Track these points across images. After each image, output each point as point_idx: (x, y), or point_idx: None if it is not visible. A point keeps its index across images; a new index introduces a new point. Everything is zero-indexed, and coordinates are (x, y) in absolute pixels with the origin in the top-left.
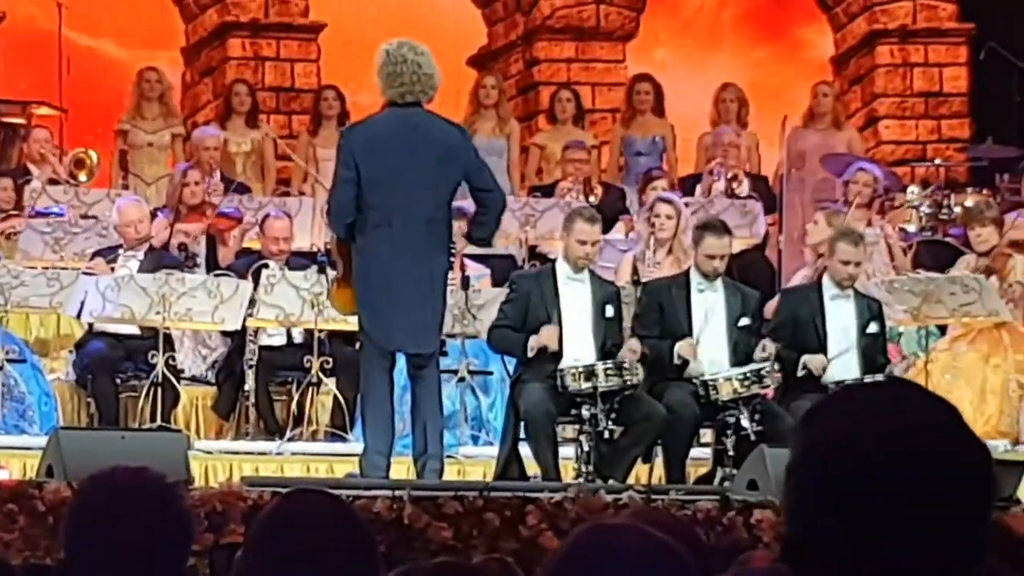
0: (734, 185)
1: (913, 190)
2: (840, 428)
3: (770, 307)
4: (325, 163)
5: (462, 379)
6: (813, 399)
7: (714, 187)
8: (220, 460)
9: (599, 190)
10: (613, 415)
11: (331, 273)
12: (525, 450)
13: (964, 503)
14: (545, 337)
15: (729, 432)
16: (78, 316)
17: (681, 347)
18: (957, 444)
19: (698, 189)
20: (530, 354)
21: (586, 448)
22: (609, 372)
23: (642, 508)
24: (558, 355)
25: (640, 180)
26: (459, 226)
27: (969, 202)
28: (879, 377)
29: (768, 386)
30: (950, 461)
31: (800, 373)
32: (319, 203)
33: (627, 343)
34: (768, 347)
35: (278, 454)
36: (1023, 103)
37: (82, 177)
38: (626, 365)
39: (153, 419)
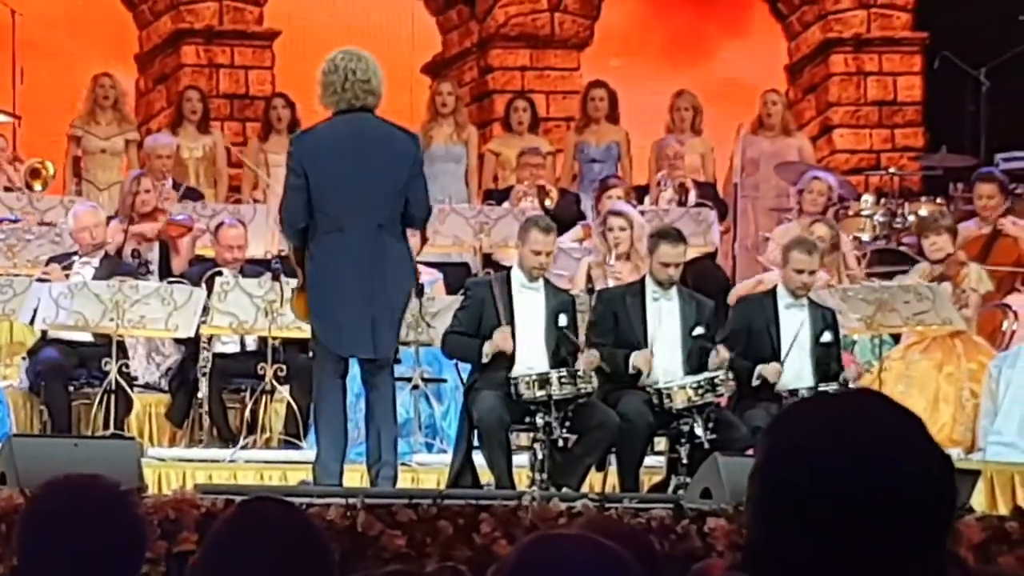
0: (681, 196)
1: (867, 199)
2: (804, 437)
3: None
4: (276, 170)
5: (416, 387)
6: (767, 407)
7: (661, 197)
8: (173, 468)
9: (554, 194)
10: (567, 423)
11: (287, 281)
12: (479, 458)
13: (926, 512)
14: (499, 340)
15: (683, 440)
16: (31, 323)
17: (636, 358)
18: (920, 453)
19: (647, 199)
20: (485, 360)
21: (540, 456)
22: (563, 380)
23: (595, 517)
24: (511, 362)
25: (596, 187)
26: (410, 232)
27: (923, 211)
28: (833, 386)
29: (722, 394)
30: (913, 470)
31: (755, 382)
32: (272, 210)
33: (584, 353)
34: (721, 352)
35: (231, 462)
36: (977, 112)
37: (37, 187)
38: (580, 373)
39: (106, 426)
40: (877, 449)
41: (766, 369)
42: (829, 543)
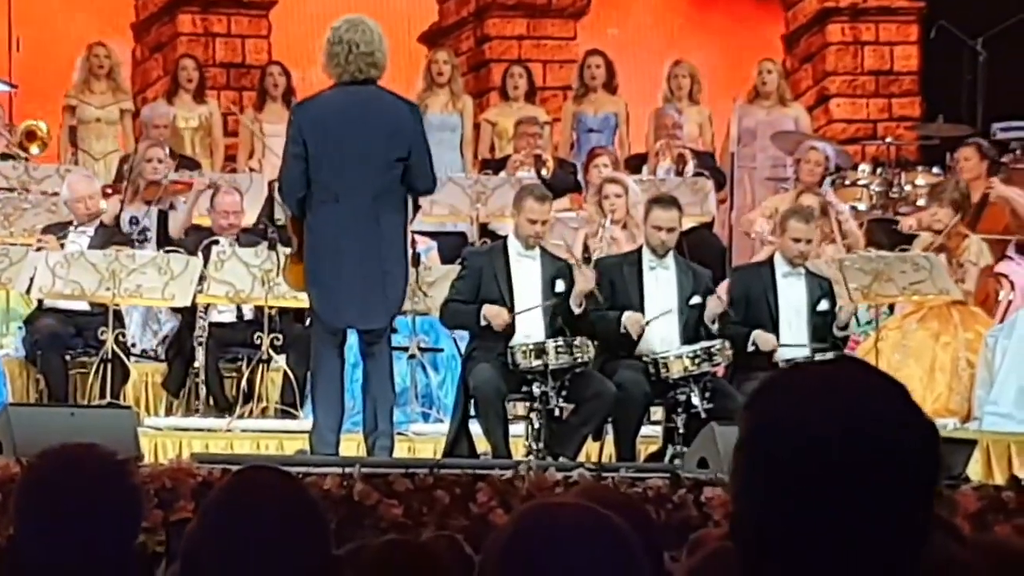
0: (680, 166)
1: (863, 168)
2: (788, 407)
3: (722, 289)
4: (271, 139)
5: (412, 356)
6: (764, 377)
7: (659, 168)
8: (170, 437)
9: (551, 164)
10: (563, 393)
11: (282, 249)
12: (475, 427)
13: (912, 481)
14: (494, 317)
15: (679, 410)
16: (27, 292)
17: (629, 319)
18: (905, 422)
19: (645, 169)
20: (483, 323)
21: (536, 425)
22: (560, 350)
23: (591, 486)
24: (509, 332)
25: (585, 158)
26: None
27: (920, 180)
28: (829, 355)
29: (719, 364)
30: (898, 439)
31: (750, 348)
32: (267, 178)
33: (581, 270)
34: (722, 297)
35: (228, 431)
36: (974, 82)
37: (34, 149)
38: (576, 343)
39: (103, 395)
40: (861, 417)
41: (761, 337)
42: (814, 513)
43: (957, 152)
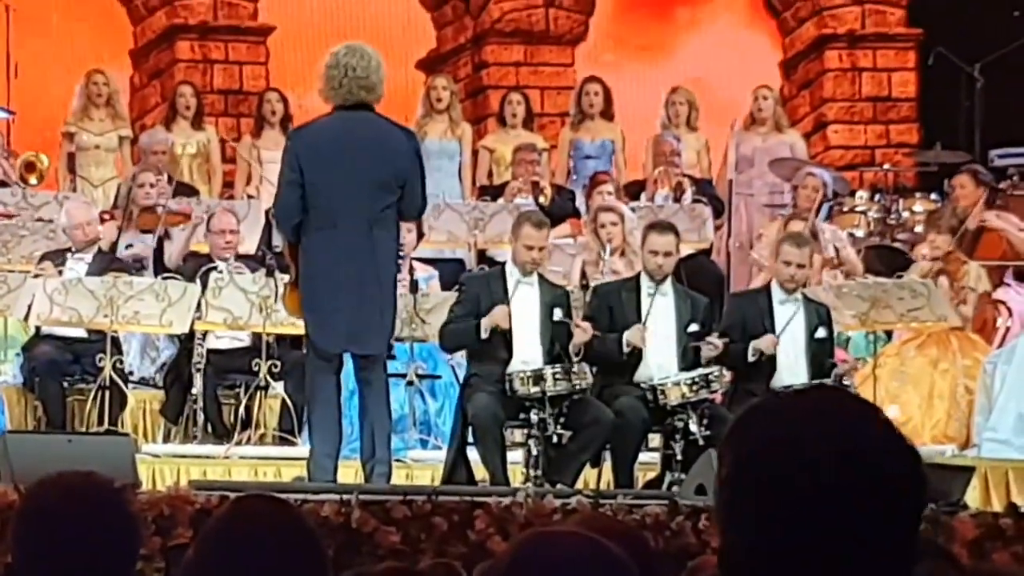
0: (677, 194)
1: (861, 195)
2: (774, 433)
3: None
4: (268, 165)
5: (410, 383)
6: (742, 408)
7: (658, 195)
8: (168, 464)
9: (549, 191)
10: (562, 419)
11: (280, 276)
12: (473, 454)
13: (898, 504)
14: (498, 316)
15: (677, 437)
16: (25, 319)
17: (631, 334)
18: (890, 446)
19: (643, 197)
20: (484, 335)
21: (534, 452)
22: (558, 376)
23: (589, 514)
24: (507, 358)
25: (587, 183)
26: (406, 227)
27: (918, 207)
28: (828, 382)
29: (716, 391)
30: (884, 463)
31: (752, 358)
32: (265, 205)
33: (579, 324)
34: (716, 343)
35: (226, 458)
36: (972, 108)
37: (32, 181)
38: (575, 370)
39: (100, 423)
40: (847, 442)
41: (761, 342)
42: (804, 538)
43: (953, 179)
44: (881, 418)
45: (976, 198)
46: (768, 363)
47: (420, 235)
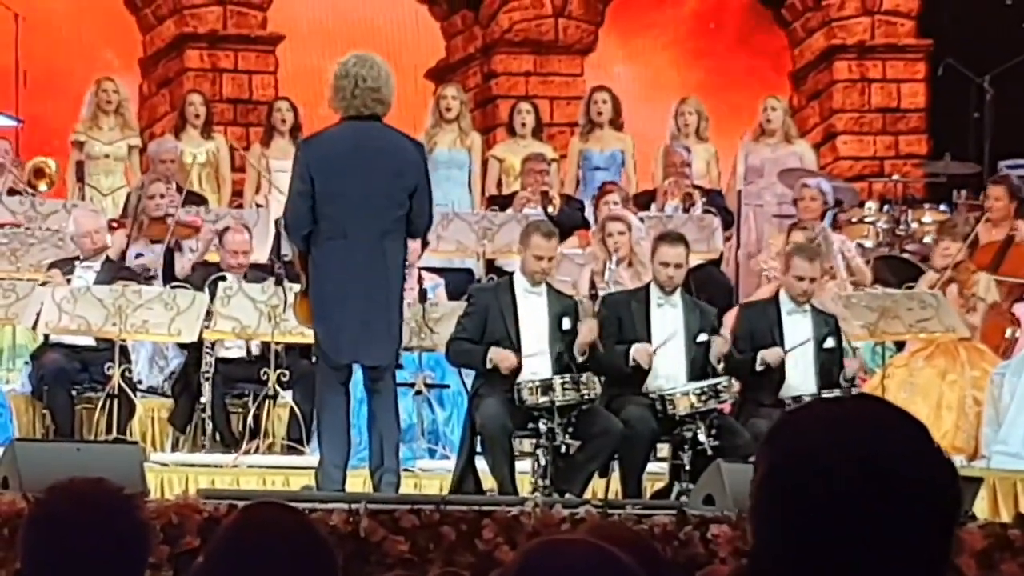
0: (687, 205)
1: (870, 206)
2: (808, 443)
3: (729, 317)
4: (278, 174)
5: (419, 392)
6: (770, 415)
7: (668, 206)
8: (176, 472)
9: (558, 201)
10: (570, 429)
11: (290, 286)
12: (481, 464)
13: (931, 516)
14: (502, 360)
15: (686, 447)
16: (34, 327)
17: (637, 351)
18: (925, 458)
19: (653, 207)
20: (489, 366)
21: (543, 462)
22: (566, 386)
23: (600, 523)
24: (516, 368)
25: (596, 194)
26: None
27: (927, 218)
28: (836, 392)
29: (725, 401)
30: (918, 476)
31: (759, 368)
32: (274, 214)
33: (584, 322)
34: (725, 336)
35: (234, 467)
36: (981, 120)
37: (42, 187)
38: (583, 380)
39: (109, 431)
40: (882, 455)
41: (768, 354)
42: (834, 550)
43: (988, 190)
44: (918, 430)
45: (1009, 211)
46: (777, 373)
47: (424, 244)
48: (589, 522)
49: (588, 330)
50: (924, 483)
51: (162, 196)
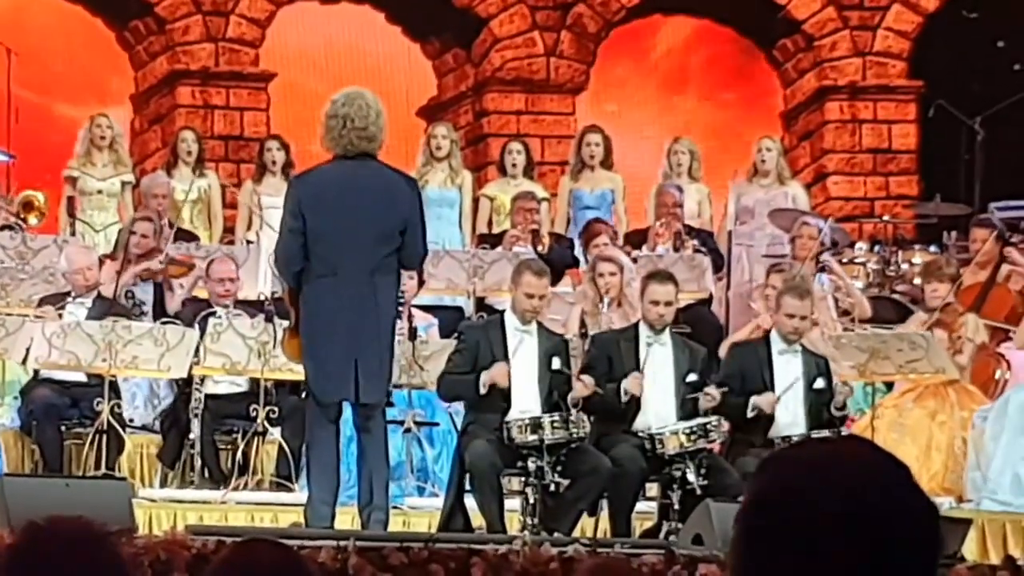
0: (678, 245)
1: (861, 246)
2: (792, 481)
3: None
4: (269, 211)
5: (408, 430)
6: (759, 454)
7: (659, 247)
8: (165, 508)
9: (547, 239)
10: (559, 468)
11: (279, 322)
12: (470, 502)
13: (912, 558)
14: (496, 374)
15: (675, 486)
16: (24, 362)
17: (629, 383)
18: (909, 500)
19: (644, 247)
20: (482, 391)
21: (531, 500)
22: (555, 424)
23: (603, 561)
24: (506, 407)
25: (584, 232)
26: (407, 275)
27: (917, 259)
28: (825, 433)
29: (714, 440)
30: (900, 517)
31: (751, 414)
32: (264, 251)
33: (580, 379)
34: (713, 393)
35: (223, 503)
36: (972, 161)
37: (32, 220)
38: (572, 418)
39: (98, 467)
40: (865, 493)
41: (761, 400)
42: None
43: (972, 232)
44: (902, 472)
45: (993, 255)
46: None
47: (421, 283)
48: (593, 560)
49: (584, 387)
50: (906, 523)
51: (144, 236)
